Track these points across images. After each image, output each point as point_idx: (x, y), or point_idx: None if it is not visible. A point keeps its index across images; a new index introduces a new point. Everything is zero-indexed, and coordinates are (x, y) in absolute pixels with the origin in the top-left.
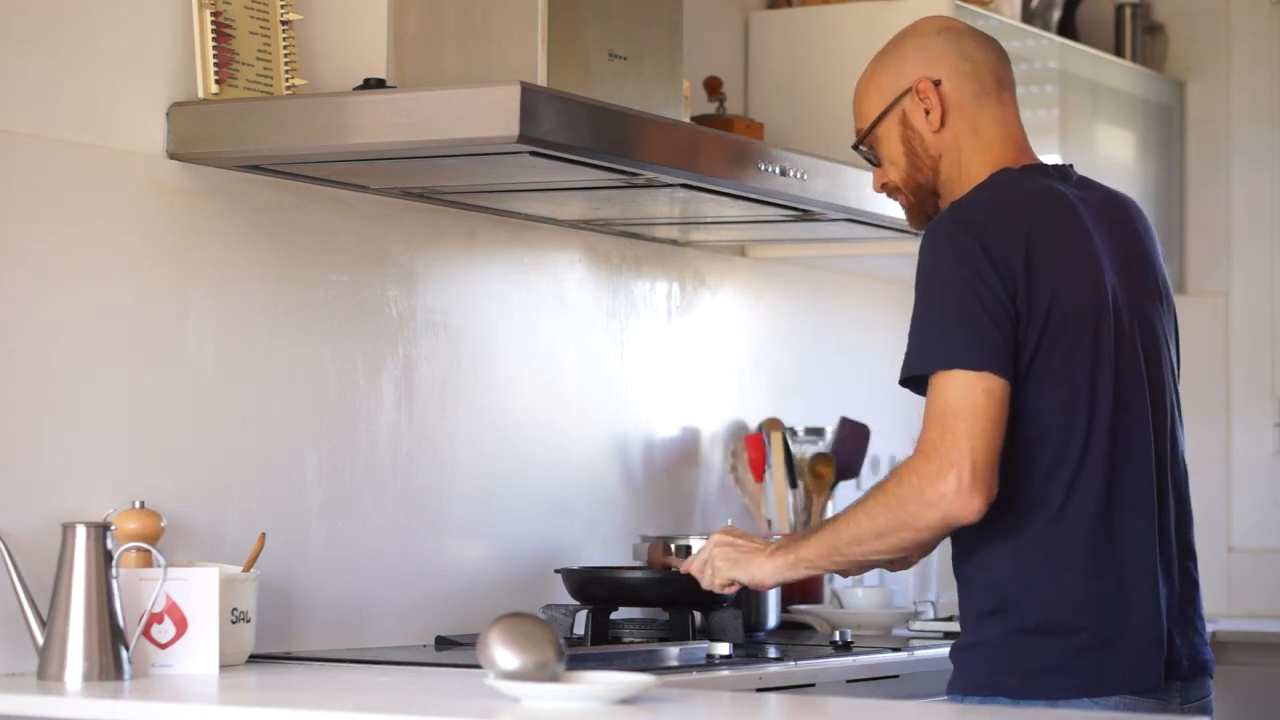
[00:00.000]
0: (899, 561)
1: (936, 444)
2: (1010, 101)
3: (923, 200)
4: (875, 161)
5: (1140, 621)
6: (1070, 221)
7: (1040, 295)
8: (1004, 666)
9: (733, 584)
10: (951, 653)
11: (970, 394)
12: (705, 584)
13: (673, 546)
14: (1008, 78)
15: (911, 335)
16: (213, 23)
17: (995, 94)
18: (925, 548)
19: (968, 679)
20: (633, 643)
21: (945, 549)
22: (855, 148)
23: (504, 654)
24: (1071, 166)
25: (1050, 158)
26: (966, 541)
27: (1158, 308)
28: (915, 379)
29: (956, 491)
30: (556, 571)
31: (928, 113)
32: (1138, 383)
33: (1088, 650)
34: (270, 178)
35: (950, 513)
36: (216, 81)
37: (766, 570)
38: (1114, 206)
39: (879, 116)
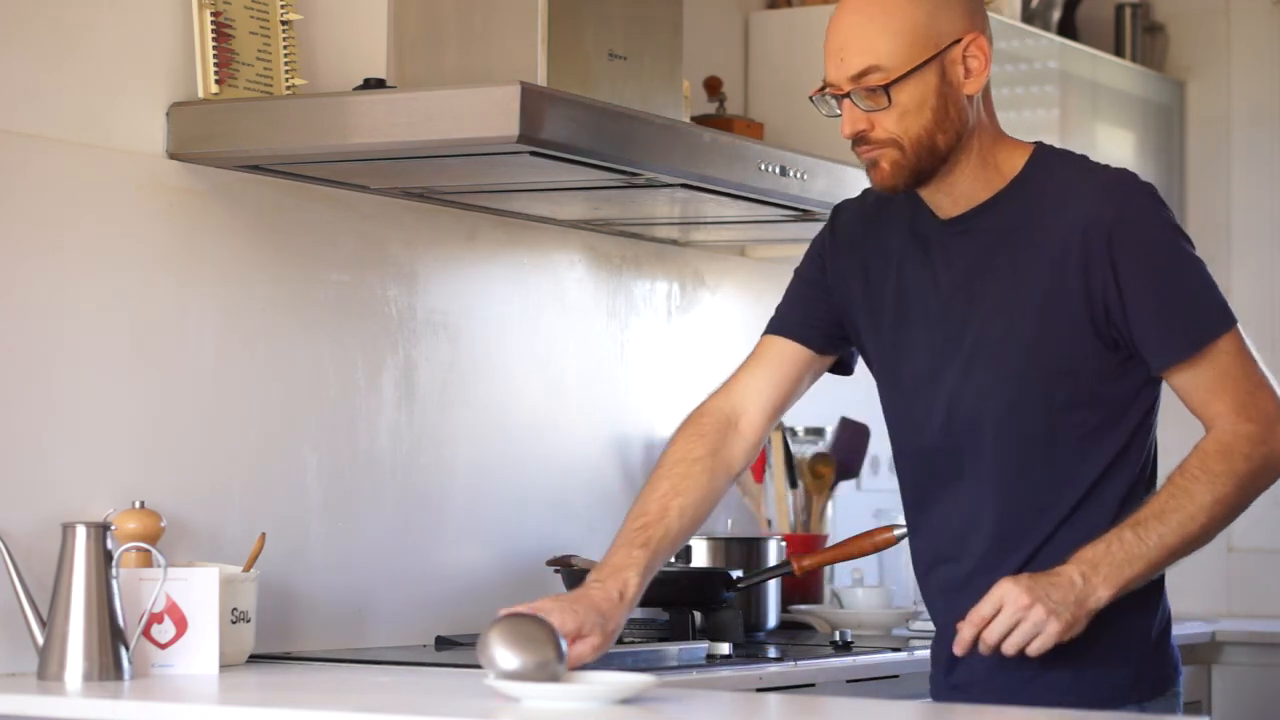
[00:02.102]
0: None
1: (1255, 403)
2: None
3: (925, 165)
4: (882, 103)
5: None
6: None
7: None
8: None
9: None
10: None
11: (1245, 343)
12: (1016, 649)
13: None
14: None
15: (1182, 308)
16: (213, 23)
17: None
18: None
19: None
20: (633, 643)
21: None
22: (856, 85)
23: (504, 654)
24: None
25: None
26: (1056, 537)
27: None
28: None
29: None
30: (556, 571)
31: (967, 73)
32: None
33: (1166, 642)
34: (270, 178)
35: None
36: (216, 81)
37: (1095, 604)
38: None
39: (923, 62)
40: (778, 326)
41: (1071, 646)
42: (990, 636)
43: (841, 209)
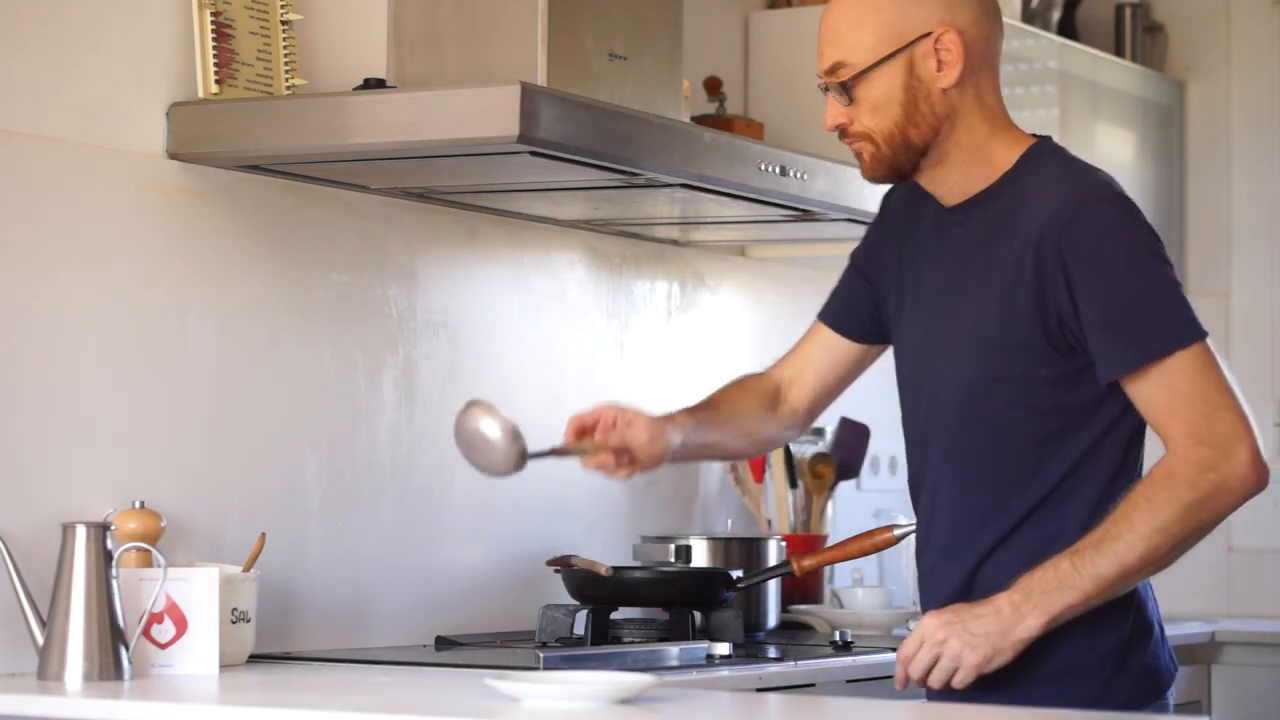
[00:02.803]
0: None
1: (1211, 426)
2: (998, 67)
3: (902, 159)
4: (845, 99)
5: (1155, 604)
6: None
7: None
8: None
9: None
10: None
11: (1210, 362)
12: (940, 683)
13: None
14: (1000, 40)
15: (1125, 322)
16: (213, 23)
17: (995, 58)
18: None
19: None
20: (633, 643)
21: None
22: (828, 80)
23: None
24: None
25: None
26: (1031, 537)
27: None
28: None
29: (1251, 463)
30: (556, 571)
31: (940, 66)
32: None
33: (1138, 660)
34: (270, 178)
35: (1253, 489)
36: (216, 81)
37: (1025, 632)
38: None
39: (885, 58)
40: (822, 312)
41: (1025, 668)
42: (913, 673)
43: (891, 193)
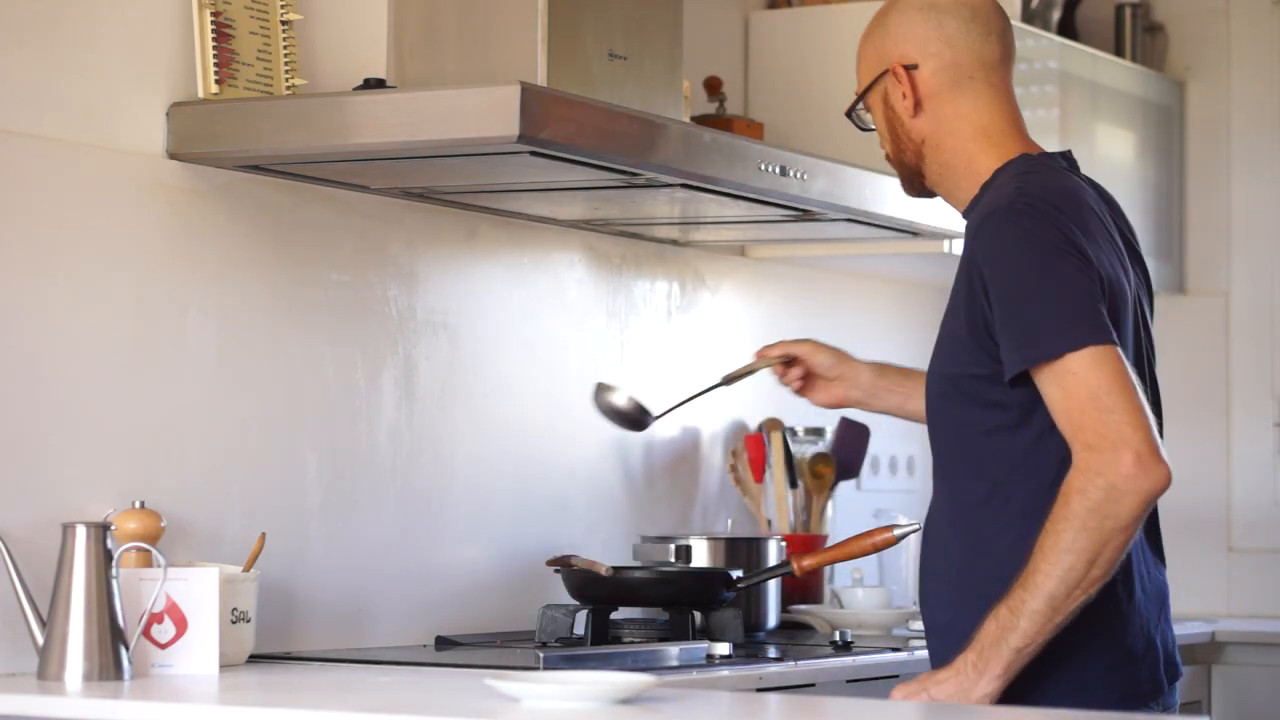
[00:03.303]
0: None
1: (1097, 429)
2: (1000, 82)
3: (910, 179)
4: (862, 126)
5: (1145, 624)
6: (1103, 219)
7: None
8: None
9: None
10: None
11: (1106, 366)
12: None
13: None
14: (995, 56)
15: (1019, 323)
16: (213, 23)
17: (982, 77)
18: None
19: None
20: (633, 643)
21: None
22: (847, 114)
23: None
24: (1070, 153)
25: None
26: (995, 543)
27: (1150, 304)
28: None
29: (1139, 464)
30: (556, 571)
31: (904, 96)
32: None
33: (1111, 677)
34: (270, 178)
35: (1147, 490)
36: (216, 81)
37: (986, 686)
38: (1110, 201)
39: (864, 91)
40: None
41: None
42: None
43: None
